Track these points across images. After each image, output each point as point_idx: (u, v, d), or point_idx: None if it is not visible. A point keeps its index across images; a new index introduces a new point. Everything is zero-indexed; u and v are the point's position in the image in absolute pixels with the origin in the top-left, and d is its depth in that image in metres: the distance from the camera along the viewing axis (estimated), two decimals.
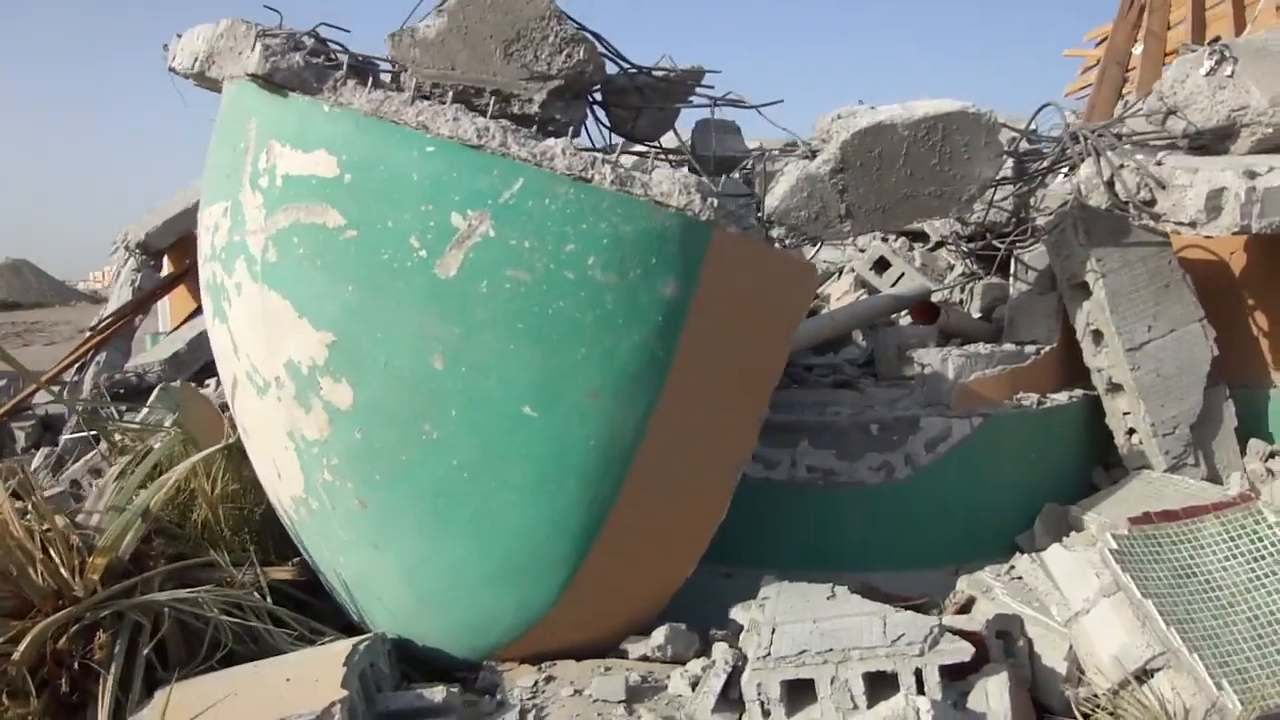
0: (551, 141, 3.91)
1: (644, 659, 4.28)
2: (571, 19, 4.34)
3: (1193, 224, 4.63)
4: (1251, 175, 4.62)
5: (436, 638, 4.33)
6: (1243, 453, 5.44)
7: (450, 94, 4.30)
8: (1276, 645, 3.61)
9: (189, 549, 4.70)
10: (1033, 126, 5.74)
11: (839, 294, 6.59)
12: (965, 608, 4.44)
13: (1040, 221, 5.61)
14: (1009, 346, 5.31)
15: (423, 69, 4.31)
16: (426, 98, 4.25)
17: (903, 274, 6.21)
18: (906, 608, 4.58)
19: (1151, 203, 4.75)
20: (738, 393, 4.10)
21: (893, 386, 5.39)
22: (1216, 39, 5.26)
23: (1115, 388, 5.22)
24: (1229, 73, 5.03)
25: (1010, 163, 5.57)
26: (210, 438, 5.05)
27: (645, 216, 3.77)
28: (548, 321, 3.79)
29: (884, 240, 6.52)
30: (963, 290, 6.31)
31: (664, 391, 3.88)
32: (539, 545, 4.00)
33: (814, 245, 4.81)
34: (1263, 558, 3.98)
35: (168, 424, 5.32)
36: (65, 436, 6.37)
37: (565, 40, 4.32)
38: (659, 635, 4.22)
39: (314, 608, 4.74)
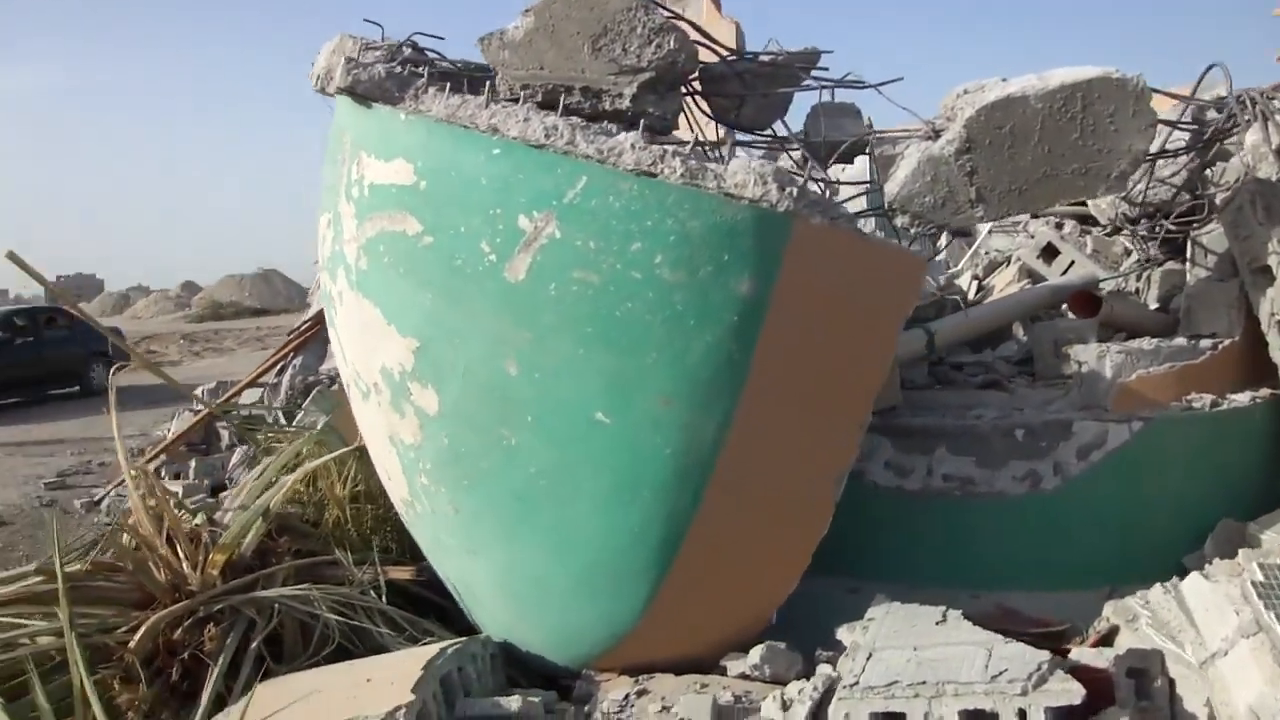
0: (622, 136, 3.70)
1: (743, 677, 4.00)
2: (663, 7, 4.09)
3: None
4: None
5: (534, 644, 4.20)
6: None
7: (540, 94, 4.15)
8: None
9: (320, 547, 4.76)
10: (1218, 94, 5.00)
11: (1003, 284, 6.01)
12: (1107, 638, 3.93)
13: (1219, 199, 4.89)
14: (1179, 341, 4.66)
15: (512, 70, 4.18)
16: (515, 100, 4.12)
17: (1072, 262, 5.59)
18: (1044, 635, 4.14)
19: None
20: (832, 398, 3.74)
21: (1049, 387, 4.84)
22: None
23: None
24: None
25: (1171, 135, 4.89)
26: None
27: (714, 210, 3.49)
28: (616, 324, 3.58)
29: (1058, 226, 5.90)
30: (1138, 279, 5.61)
31: (744, 397, 3.59)
32: (618, 557, 3.80)
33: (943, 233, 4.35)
34: None
35: (320, 426, 5.42)
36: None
37: (654, 31, 4.07)
38: (755, 654, 3.93)
39: (443, 609, 4.72)
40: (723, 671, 4.03)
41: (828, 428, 3.77)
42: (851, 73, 4.52)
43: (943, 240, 7.62)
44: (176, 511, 4.54)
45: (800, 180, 3.62)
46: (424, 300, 3.90)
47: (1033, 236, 6.03)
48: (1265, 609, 3.23)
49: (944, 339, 4.99)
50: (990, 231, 7.11)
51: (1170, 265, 5.41)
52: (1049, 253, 5.82)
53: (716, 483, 3.65)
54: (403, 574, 4.63)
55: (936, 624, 3.70)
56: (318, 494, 4.92)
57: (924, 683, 3.31)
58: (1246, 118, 4.36)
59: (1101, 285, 5.57)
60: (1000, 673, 3.27)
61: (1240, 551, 3.52)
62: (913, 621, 3.74)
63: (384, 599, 4.43)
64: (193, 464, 6.93)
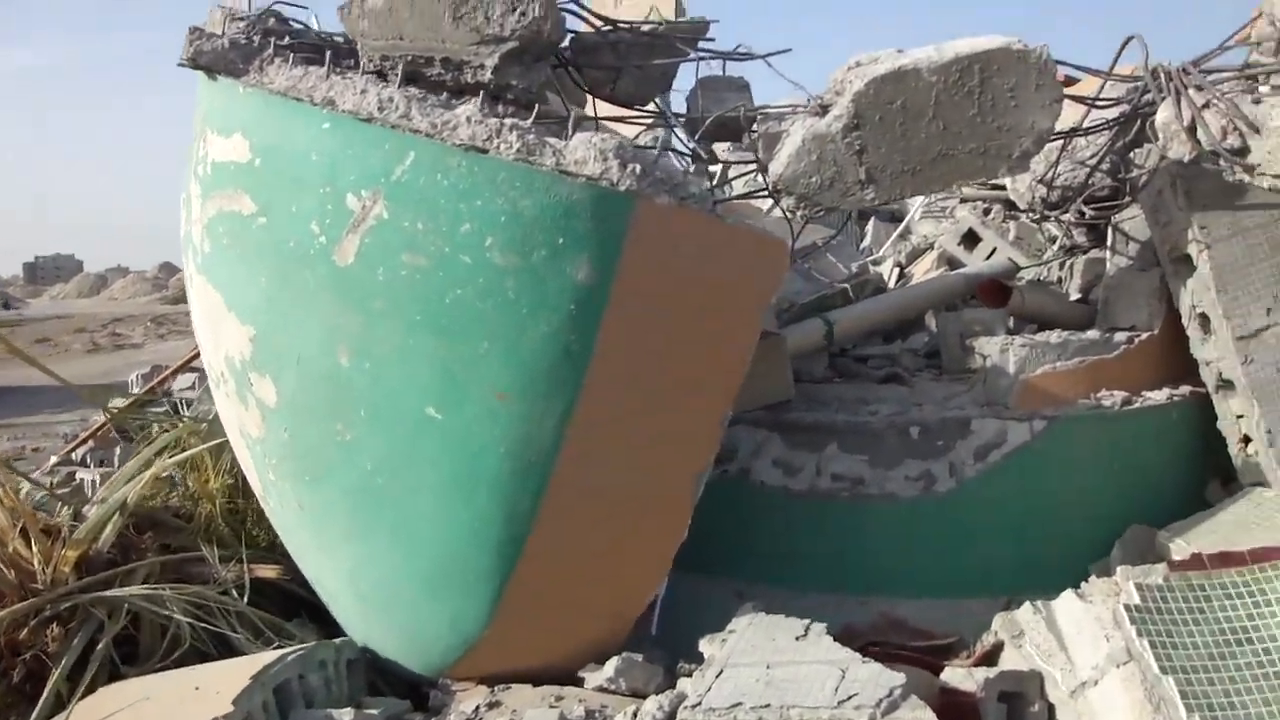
0: (460, 110, 3.37)
1: (601, 690, 3.67)
2: None
3: None
4: None
5: (388, 649, 3.89)
6: None
7: (400, 66, 3.82)
8: None
9: (191, 543, 4.47)
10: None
11: (922, 272, 5.64)
12: (990, 655, 3.60)
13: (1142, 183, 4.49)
14: (1091, 334, 4.27)
15: (371, 41, 3.84)
16: (379, 73, 3.80)
17: (994, 249, 5.21)
18: (929, 649, 3.82)
19: (1243, 151, 3.65)
20: (687, 391, 3.40)
21: (954, 381, 4.46)
22: None
23: (1226, 385, 4.11)
24: None
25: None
26: None
27: (548, 189, 3.16)
28: (446, 312, 3.26)
29: (985, 211, 5.51)
30: (1061, 267, 5.22)
31: (585, 390, 3.26)
32: (459, 558, 3.49)
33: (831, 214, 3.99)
34: None
35: (213, 415, 5.11)
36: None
37: None
38: (611, 666, 3.60)
39: (320, 609, 4.43)
40: (581, 683, 3.72)
41: (683, 423, 3.43)
42: (742, 45, 4.17)
43: (869, 224, 7.28)
44: (31, 506, 4.25)
45: (651, 157, 3.28)
46: (260, 285, 3.60)
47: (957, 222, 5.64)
48: (1138, 636, 2.89)
49: (845, 330, 4.62)
50: (920, 216, 6.75)
51: (1094, 253, 5.02)
52: (970, 239, 5.44)
53: (559, 481, 3.33)
54: (269, 572, 4.33)
55: (797, 639, 3.36)
56: (193, 489, 4.62)
57: (768, 705, 3.00)
58: (1163, 95, 3.96)
59: (1023, 274, 5.20)
60: (850, 697, 2.97)
61: (1119, 569, 3.15)
62: (773, 635, 3.41)
63: (246, 598, 4.13)
64: (118, 451, 6.67)
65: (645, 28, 4.09)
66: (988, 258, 5.28)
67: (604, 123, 4.29)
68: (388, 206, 3.27)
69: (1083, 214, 4.81)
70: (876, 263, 6.24)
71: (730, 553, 4.25)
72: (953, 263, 5.51)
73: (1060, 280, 5.23)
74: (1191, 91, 3.81)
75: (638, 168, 3.19)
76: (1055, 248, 5.33)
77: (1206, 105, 3.77)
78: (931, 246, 5.95)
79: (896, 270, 5.88)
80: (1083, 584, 3.32)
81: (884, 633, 3.95)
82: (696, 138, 4.20)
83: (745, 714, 2.98)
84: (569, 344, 3.21)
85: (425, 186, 3.24)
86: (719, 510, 4.19)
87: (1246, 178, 3.71)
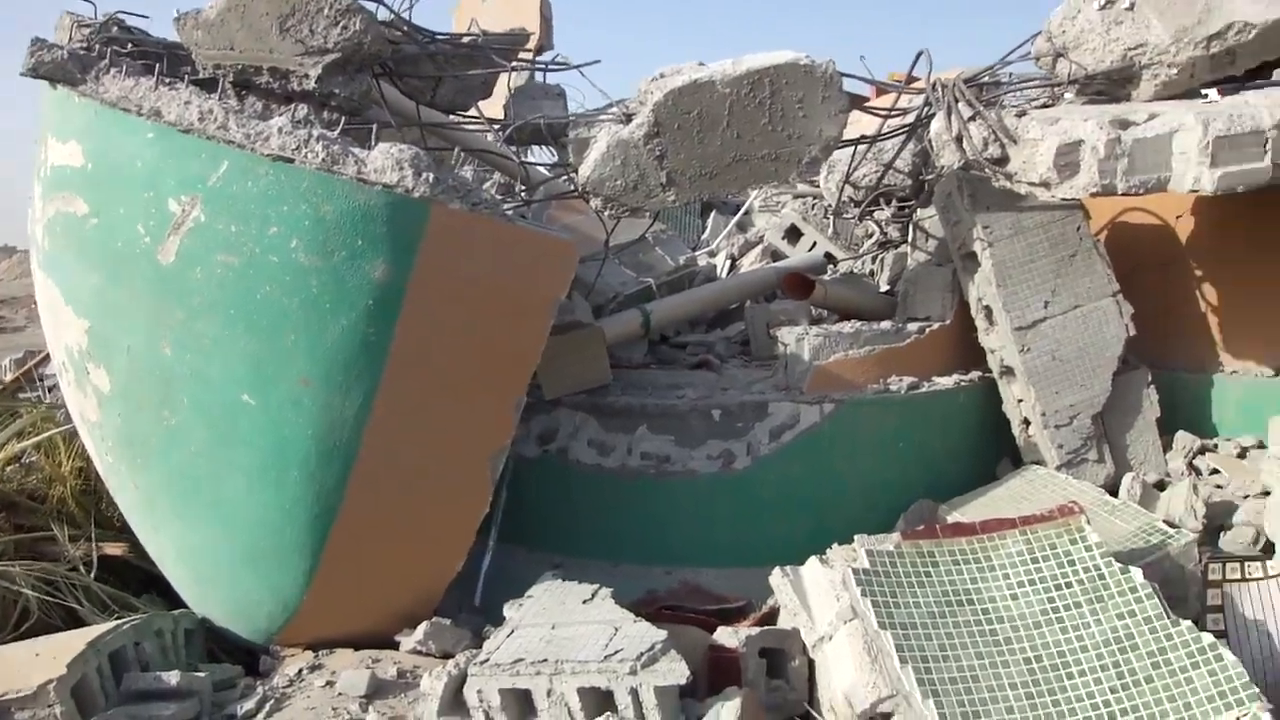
0: (274, 121, 3.84)
1: (415, 652, 4.18)
2: None
3: (1045, 184, 4.08)
4: (1122, 125, 4.03)
5: (220, 618, 4.37)
6: (1168, 446, 4.79)
7: (231, 75, 4.29)
8: (1055, 696, 3.11)
9: (44, 523, 4.91)
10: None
11: (749, 264, 6.18)
12: (769, 616, 4.12)
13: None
14: (883, 325, 4.82)
15: (204, 50, 4.31)
16: (214, 81, 4.27)
17: (814, 243, 5.75)
18: (718, 612, 4.34)
19: (1002, 160, 4.20)
20: (482, 380, 3.92)
21: (760, 367, 5.01)
22: None
23: (1008, 371, 4.69)
24: (1128, 5, 4.38)
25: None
26: None
27: (349, 196, 3.65)
28: (257, 307, 3.74)
29: (813, 206, 6.05)
30: (874, 260, 5.78)
31: (384, 379, 3.76)
32: (275, 534, 3.97)
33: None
34: (1067, 585, 3.43)
35: None
36: None
37: (340, 11, 4.21)
38: (420, 630, 4.11)
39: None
40: (397, 647, 4.22)
41: (478, 409, 3.95)
42: (559, 55, 4.67)
43: (710, 217, 7.80)
44: None
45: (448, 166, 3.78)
46: (93, 281, 4.05)
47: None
48: (862, 596, 3.39)
49: (662, 319, 5.14)
50: (758, 209, 7.28)
51: (903, 248, 5.58)
52: (794, 233, 5.98)
53: (363, 462, 3.83)
54: (116, 549, 4.79)
55: (584, 602, 3.88)
56: (47, 471, 5.06)
57: (545, 660, 3.46)
58: (942, 107, 4.50)
59: (839, 266, 5.74)
60: (615, 652, 3.42)
61: (856, 537, 3.70)
62: (564, 599, 3.92)
63: (94, 574, 4.59)
64: None
65: (465, 39, 4.56)
66: (809, 251, 5.83)
67: None
68: (205, 210, 3.73)
69: (900, 210, 5.37)
70: (713, 254, 6.77)
71: (550, 527, 4.77)
72: (777, 255, 6.05)
73: (873, 273, 5.80)
74: (961, 105, 4.34)
75: (431, 176, 3.69)
76: (870, 242, 5.89)
77: (974, 118, 4.31)
78: (762, 239, 6.49)
79: (729, 262, 6.41)
80: (828, 550, 3.88)
81: (683, 598, 4.48)
82: (505, 139, 4.69)
83: (525, 668, 3.47)
84: (368, 337, 3.71)
85: (238, 192, 3.71)
86: (540, 487, 4.76)
87: (1007, 184, 4.26)
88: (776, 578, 3.84)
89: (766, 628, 3.81)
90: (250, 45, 4.27)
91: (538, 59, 4.70)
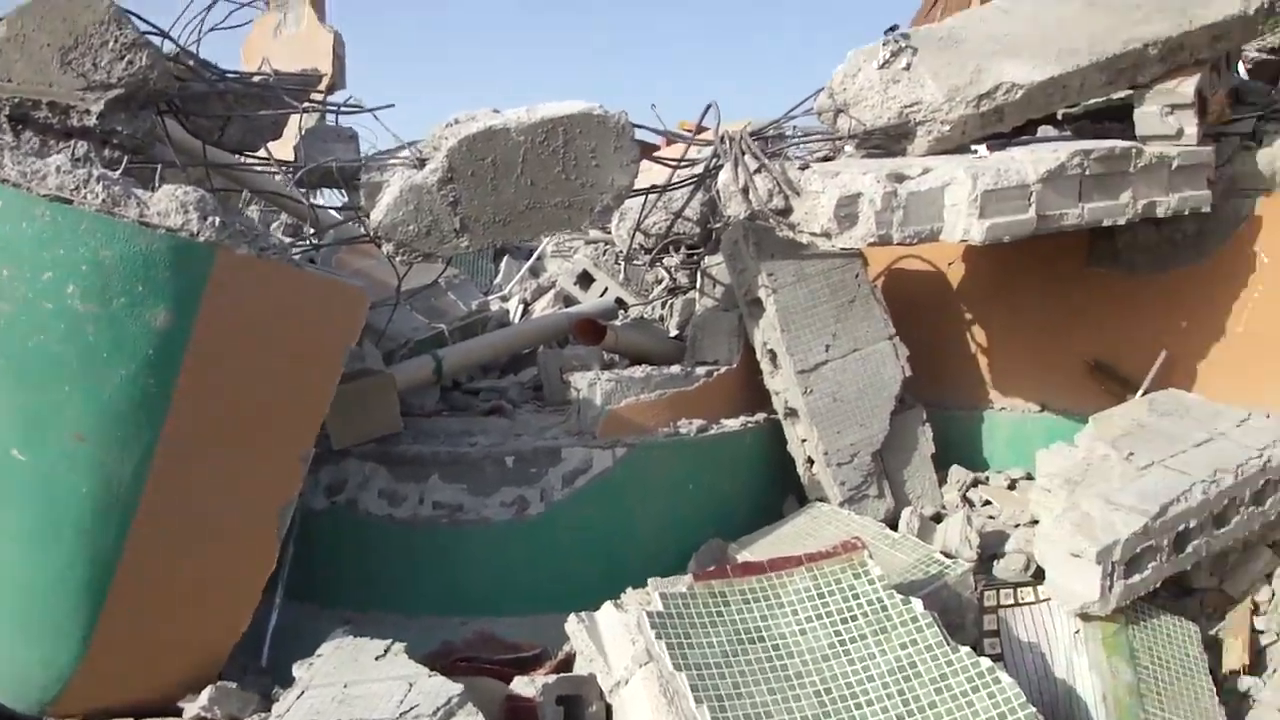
0: (52, 159, 3.67)
1: (200, 718, 4.03)
2: (147, 21, 4.12)
3: (826, 234, 4.32)
4: (898, 179, 4.30)
5: None
6: (943, 480, 5.11)
7: (7, 108, 4.09)
8: None
9: None
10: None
11: (541, 309, 6.30)
12: (566, 662, 4.16)
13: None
14: (672, 369, 4.98)
15: None
16: None
17: (606, 289, 5.91)
18: (514, 661, 4.35)
19: (786, 211, 4.42)
20: (269, 432, 3.83)
21: (554, 413, 5.09)
22: (894, 27, 4.87)
23: (792, 413, 4.91)
24: (905, 65, 4.69)
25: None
26: None
27: (130, 239, 3.52)
28: (29, 356, 3.56)
29: (604, 253, 6.21)
30: (664, 306, 5.99)
31: (165, 432, 3.63)
32: (49, 598, 3.75)
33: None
34: (853, 618, 3.59)
35: None
36: None
37: (125, 45, 4.09)
38: (205, 695, 3.96)
39: None
40: (180, 713, 4.06)
41: (265, 462, 3.86)
42: (352, 97, 4.64)
43: (503, 261, 7.93)
44: None
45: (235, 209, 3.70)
46: None
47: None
48: (656, 639, 3.47)
49: (453, 365, 5.17)
50: (551, 254, 7.43)
51: (691, 294, 5.79)
52: (586, 279, 6.12)
53: (142, 521, 3.67)
54: None
55: (377, 658, 3.82)
56: None
57: None
58: (730, 159, 4.69)
59: (630, 311, 5.90)
60: (410, 709, 3.39)
61: (650, 580, 3.80)
62: (356, 656, 3.86)
63: None
64: None
65: (256, 78, 4.49)
66: (601, 296, 5.96)
67: None
68: None
69: (689, 257, 5.55)
70: (506, 299, 6.84)
71: (342, 582, 4.70)
72: (569, 300, 6.17)
73: (663, 318, 5.98)
74: (747, 157, 4.55)
75: (218, 219, 3.61)
76: (660, 288, 6.08)
77: (760, 170, 4.52)
78: (554, 284, 6.60)
79: (522, 307, 6.49)
80: (622, 595, 3.96)
81: (478, 648, 4.48)
82: (296, 181, 4.63)
83: None
84: (148, 388, 3.57)
85: (11, 234, 3.52)
86: (329, 541, 4.68)
87: (791, 234, 4.48)
88: (572, 624, 3.89)
89: (563, 675, 3.85)
90: (29, 77, 4.09)
91: (329, 98, 4.64)
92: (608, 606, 3.86)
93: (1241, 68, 5.98)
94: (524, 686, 3.79)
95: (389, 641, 3.88)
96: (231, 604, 4.00)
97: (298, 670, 3.95)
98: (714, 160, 4.91)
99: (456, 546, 4.65)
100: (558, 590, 4.60)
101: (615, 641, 3.73)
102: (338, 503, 4.68)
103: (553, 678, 3.79)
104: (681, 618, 3.58)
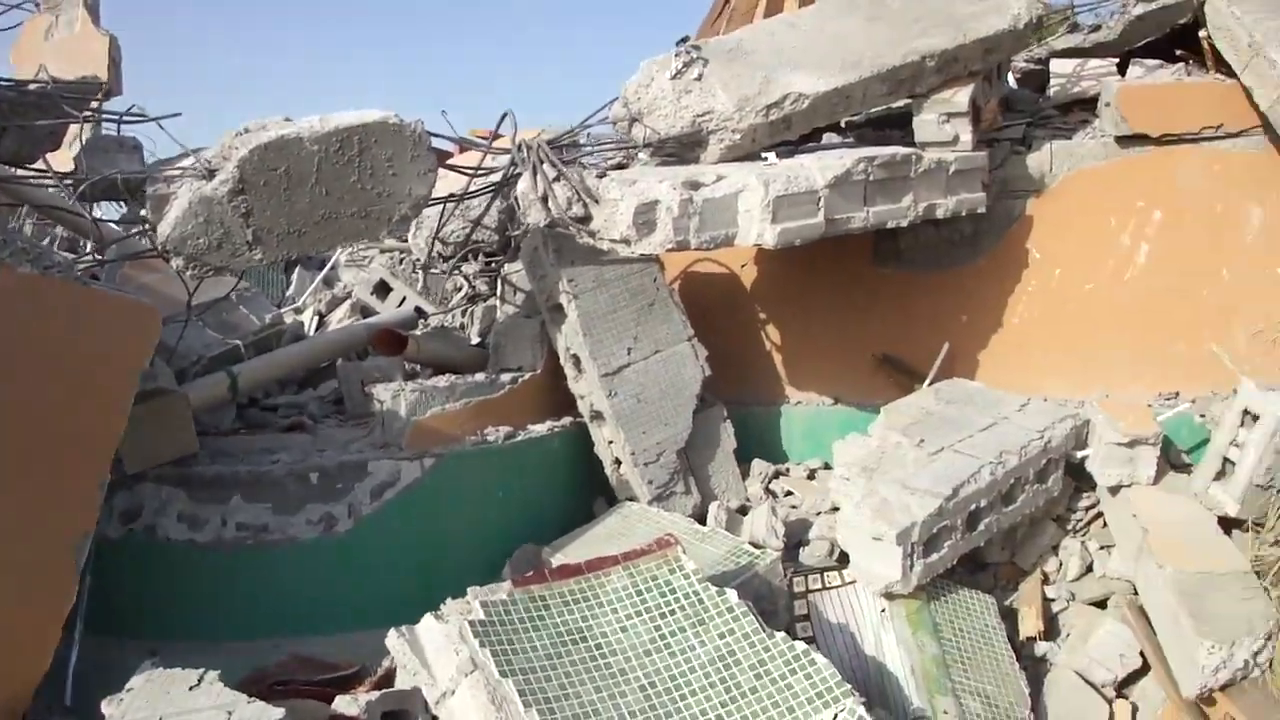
0: None
1: None
2: None
3: (626, 241, 4.41)
4: (694, 186, 4.43)
5: None
6: (747, 474, 5.30)
7: None
8: (671, 718, 3.33)
9: None
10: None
11: (337, 320, 6.24)
12: (387, 678, 4.12)
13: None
14: (477, 377, 5.03)
15: None
16: None
17: (404, 298, 5.89)
18: (332, 681, 4.28)
19: (586, 219, 4.51)
20: (62, 458, 3.67)
21: (357, 426, 5.04)
22: (685, 38, 5.03)
23: (598, 415, 5.01)
24: (696, 76, 4.84)
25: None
26: None
27: None
28: None
29: (401, 261, 6.18)
30: (464, 314, 6.02)
31: None
32: None
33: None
34: (671, 613, 3.70)
35: None
36: None
37: None
38: None
39: None
40: None
41: (59, 491, 3.70)
42: (135, 105, 4.47)
43: (295, 273, 7.80)
44: None
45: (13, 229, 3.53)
46: None
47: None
48: (480, 646, 3.49)
49: (250, 381, 5.06)
50: (345, 264, 7.35)
51: (492, 301, 5.82)
52: (383, 288, 6.08)
53: None
54: None
55: (191, 689, 3.70)
56: None
57: None
58: (528, 167, 4.73)
59: (430, 320, 5.90)
60: None
61: (469, 589, 3.81)
62: (167, 689, 3.73)
63: None
64: None
65: (32, 85, 4.28)
66: (399, 306, 5.93)
67: None
68: None
69: (488, 265, 5.58)
70: (299, 311, 6.71)
71: (144, 612, 4.53)
72: (366, 311, 6.10)
73: (463, 326, 5.99)
74: (545, 166, 4.61)
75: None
76: (459, 296, 6.09)
77: (558, 178, 4.58)
78: (350, 295, 6.52)
79: (317, 319, 6.38)
80: (441, 606, 3.96)
81: (294, 671, 4.38)
82: (78, 194, 4.44)
83: None
84: None
85: None
86: (127, 571, 4.50)
87: (591, 241, 4.56)
88: (393, 638, 3.86)
89: (386, 690, 3.82)
90: None
91: (106, 106, 4.46)
92: (428, 618, 3.85)
93: (1011, 78, 6.44)
94: (347, 705, 3.74)
95: (201, 670, 3.77)
96: (30, 644, 3.80)
97: (107, 708, 3.78)
98: (512, 168, 4.94)
99: (263, 568, 4.54)
100: (372, 606, 4.56)
101: (438, 653, 3.72)
102: (135, 530, 4.50)
103: (376, 694, 3.76)
104: (503, 624, 3.61)
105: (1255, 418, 4.40)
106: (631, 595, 3.78)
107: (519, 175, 4.85)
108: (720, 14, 8.04)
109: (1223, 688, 3.90)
